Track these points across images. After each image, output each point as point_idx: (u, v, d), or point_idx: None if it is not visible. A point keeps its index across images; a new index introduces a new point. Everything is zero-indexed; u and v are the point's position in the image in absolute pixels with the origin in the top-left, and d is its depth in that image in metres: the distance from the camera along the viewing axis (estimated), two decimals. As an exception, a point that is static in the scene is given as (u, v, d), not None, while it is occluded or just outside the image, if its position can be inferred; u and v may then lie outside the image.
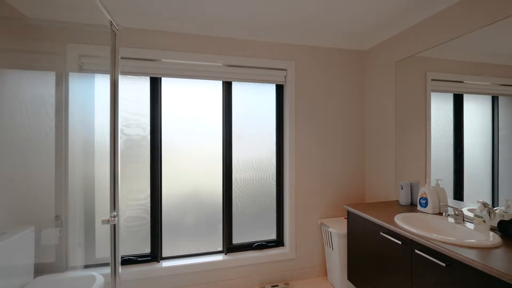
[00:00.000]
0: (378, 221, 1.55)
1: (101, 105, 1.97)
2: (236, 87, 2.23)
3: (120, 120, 2.01)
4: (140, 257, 2.02)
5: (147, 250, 2.05)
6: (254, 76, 2.18)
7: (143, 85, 2.04)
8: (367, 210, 1.74)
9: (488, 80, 1.43)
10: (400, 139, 2.05)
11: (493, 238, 1.19)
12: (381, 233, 1.54)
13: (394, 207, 1.83)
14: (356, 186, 2.42)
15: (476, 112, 1.51)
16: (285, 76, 2.26)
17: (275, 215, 2.32)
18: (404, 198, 1.86)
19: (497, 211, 1.40)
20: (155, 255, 2.05)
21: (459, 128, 1.61)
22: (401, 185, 1.87)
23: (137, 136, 2.03)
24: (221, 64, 2.11)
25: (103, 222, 1.20)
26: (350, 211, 1.84)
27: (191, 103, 2.14)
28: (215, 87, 2.19)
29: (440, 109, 1.72)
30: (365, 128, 2.45)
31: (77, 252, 1.92)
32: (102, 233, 1.98)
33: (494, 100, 1.41)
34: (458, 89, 1.60)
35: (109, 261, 1.93)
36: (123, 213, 2.01)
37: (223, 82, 2.19)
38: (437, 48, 1.73)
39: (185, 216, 2.13)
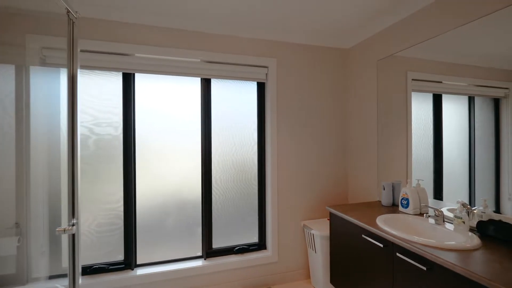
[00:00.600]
0: (360, 223, 1.50)
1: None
2: (216, 85, 2.14)
3: (89, 119, 1.85)
4: (112, 265, 1.88)
5: (120, 257, 1.91)
6: (234, 73, 2.09)
7: (115, 81, 1.90)
8: (349, 212, 1.70)
9: (465, 81, 1.43)
10: (382, 139, 2.03)
11: (472, 240, 1.17)
12: (363, 235, 1.50)
13: (376, 208, 1.80)
14: (339, 186, 2.39)
15: (454, 112, 1.51)
16: (266, 74, 2.18)
17: (257, 217, 2.24)
18: (386, 199, 1.84)
19: (475, 211, 1.39)
20: (128, 262, 1.91)
21: (438, 128, 1.61)
22: (383, 186, 1.85)
23: (109, 136, 1.89)
24: (199, 60, 2.00)
25: (59, 232, 1.06)
26: (332, 213, 1.79)
27: (167, 101, 2.02)
28: (193, 84, 2.08)
29: (421, 109, 1.72)
30: (348, 127, 2.42)
31: (40, 262, 1.75)
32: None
33: (471, 100, 1.42)
34: (437, 89, 1.60)
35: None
36: (94, 218, 1.86)
37: (201, 79, 2.08)
38: (417, 48, 1.71)
39: (161, 220, 2.01)
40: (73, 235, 1.15)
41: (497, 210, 1.29)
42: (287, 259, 2.21)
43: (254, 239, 2.23)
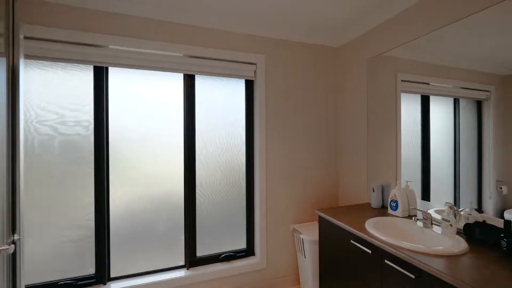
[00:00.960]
0: (349, 227, 1.53)
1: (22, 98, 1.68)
2: (200, 81, 2.07)
3: (53, 117, 1.73)
4: (82, 280, 1.79)
5: (91, 270, 1.82)
6: (220, 69, 2.04)
7: (85, 76, 1.79)
8: (338, 215, 1.73)
9: (450, 83, 1.50)
10: (372, 140, 2.07)
11: (460, 244, 1.21)
12: (351, 241, 1.53)
13: (366, 210, 1.84)
14: (329, 188, 2.43)
15: (441, 114, 1.58)
16: (254, 71, 2.15)
17: (245, 221, 2.22)
18: (375, 201, 1.89)
19: (462, 213, 1.45)
20: (100, 275, 1.83)
21: (426, 129, 1.67)
22: (373, 188, 1.89)
23: (77, 136, 1.78)
24: (182, 54, 1.93)
25: None
26: (322, 217, 1.81)
27: (145, 99, 1.93)
28: (175, 81, 2.00)
29: (410, 110, 1.77)
30: (339, 128, 2.45)
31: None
32: (31, 252, 1.70)
33: (456, 102, 1.49)
34: (425, 90, 1.66)
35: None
36: (61, 228, 1.75)
37: (184, 75, 2.01)
38: (406, 49, 1.75)
39: (139, 228, 1.94)
40: (13, 255, 0.96)
41: (479, 208, 1.39)
42: (276, 265, 2.22)
43: (242, 245, 2.22)
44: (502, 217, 1.28)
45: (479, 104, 1.37)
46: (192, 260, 2.04)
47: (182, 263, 2.04)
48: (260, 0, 1.74)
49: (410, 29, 1.72)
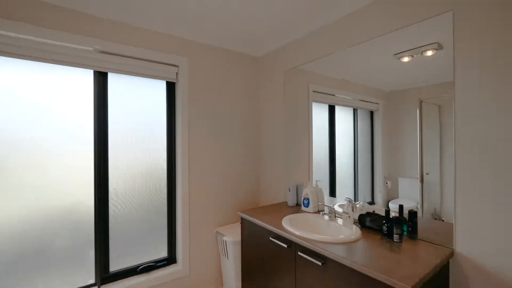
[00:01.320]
0: (268, 225, 1.60)
1: None
2: (115, 80, 1.84)
3: None
4: None
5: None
6: (138, 69, 1.87)
7: None
8: (258, 215, 1.79)
9: (350, 95, 1.72)
10: (289, 144, 2.23)
11: (355, 232, 1.42)
12: (270, 238, 1.60)
13: (283, 209, 1.97)
14: (251, 189, 2.50)
15: (344, 122, 1.79)
16: (176, 73, 2.05)
17: (166, 229, 2.07)
18: (291, 200, 2.04)
19: (357, 206, 1.70)
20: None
21: (332, 135, 1.88)
22: (289, 188, 2.04)
23: None
24: (92, 49, 1.68)
25: None
26: (244, 218, 1.85)
27: (43, 95, 1.60)
28: (84, 77, 1.73)
29: (319, 118, 1.96)
30: (260, 132, 2.56)
31: None
32: None
33: (355, 112, 1.71)
34: (331, 101, 1.86)
35: None
36: None
37: (95, 72, 1.75)
38: (316, 64, 1.92)
39: (37, 246, 1.58)
40: None
41: (372, 201, 1.62)
42: (200, 271, 2.15)
43: (164, 254, 2.05)
44: (388, 206, 1.53)
45: (371, 114, 1.59)
46: (104, 276, 1.78)
47: (92, 281, 1.75)
48: (186, 3, 1.65)
49: (320, 47, 1.92)
